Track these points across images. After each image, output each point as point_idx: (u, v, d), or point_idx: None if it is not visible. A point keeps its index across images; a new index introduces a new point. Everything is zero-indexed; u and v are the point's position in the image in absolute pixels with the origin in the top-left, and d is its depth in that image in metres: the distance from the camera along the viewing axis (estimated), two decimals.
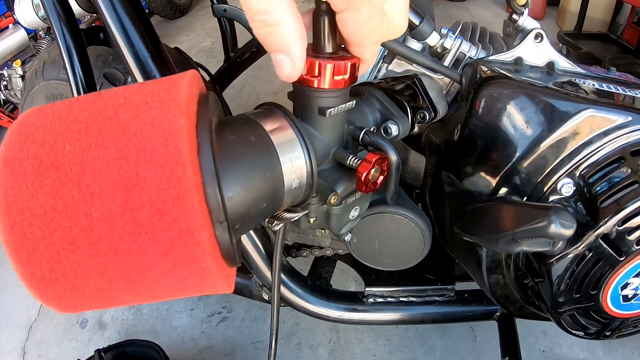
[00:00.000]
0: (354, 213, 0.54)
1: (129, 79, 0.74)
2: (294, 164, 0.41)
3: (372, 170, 0.45)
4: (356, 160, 0.46)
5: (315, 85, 0.40)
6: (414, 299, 0.89)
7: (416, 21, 0.66)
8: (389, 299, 0.89)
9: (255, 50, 1.37)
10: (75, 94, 0.92)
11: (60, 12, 0.90)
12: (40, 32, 2.44)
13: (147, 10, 3.92)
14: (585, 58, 2.86)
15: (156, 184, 0.30)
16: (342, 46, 0.41)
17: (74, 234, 0.31)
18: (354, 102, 0.45)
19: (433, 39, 0.68)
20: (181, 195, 0.30)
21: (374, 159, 0.45)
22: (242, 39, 1.43)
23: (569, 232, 0.46)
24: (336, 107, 0.43)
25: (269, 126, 0.41)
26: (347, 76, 0.40)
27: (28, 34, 2.36)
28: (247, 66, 1.44)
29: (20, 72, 2.32)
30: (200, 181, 0.31)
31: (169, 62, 0.73)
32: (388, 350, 1.27)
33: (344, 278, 1.41)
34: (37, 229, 0.31)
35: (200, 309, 1.44)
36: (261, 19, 0.34)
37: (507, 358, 0.94)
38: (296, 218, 0.47)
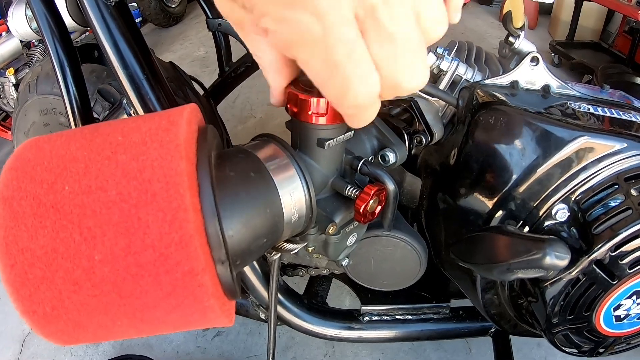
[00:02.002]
0: (351, 240, 0.55)
1: (124, 101, 0.73)
2: (293, 198, 0.41)
3: (371, 202, 0.46)
4: (355, 190, 0.46)
5: (313, 122, 0.40)
6: (410, 316, 0.90)
7: None
8: (385, 317, 0.89)
9: (250, 64, 1.37)
10: (69, 111, 0.91)
11: (53, 27, 0.89)
12: (34, 40, 2.43)
13: (140, 18, 3.91)
14: (577, 68, 2.89)
15: (158, 228, 0.30)
16: None
17: (76, 275, 0.31)
18: (352, 133, 0.45)
19: (429, 60, 0.68)
20: (183, 239, 0.30)
21: (372, 191, 0.45)
22: (237, 52, 1.43)
23: (563, 263, 0.47)
24: (335, 139, 0.44)
25: (267, 160, 0.41)
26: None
27: (21, 42, 2.35)
28: (241, 80, 1.43)
29: (13, 81, 2.30)
30: (202, 223, 0.31)
31: (165, 84, 0.72)
32: None
33: (340, 291, 1.41)
34: (38, 269, 0.31)
35: None
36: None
37: None
38: (296, 250, 0.47)
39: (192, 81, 1.34)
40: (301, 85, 0.40)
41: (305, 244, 0.48)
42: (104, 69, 1.15)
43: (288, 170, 0.41)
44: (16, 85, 2.29)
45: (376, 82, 0.29)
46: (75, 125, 0.91)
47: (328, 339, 0.88)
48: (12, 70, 2.33)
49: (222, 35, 1.39)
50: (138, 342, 1.39)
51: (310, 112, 0.39)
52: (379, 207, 0.49)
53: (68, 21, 1.38)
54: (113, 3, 0.69)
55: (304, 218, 0.43)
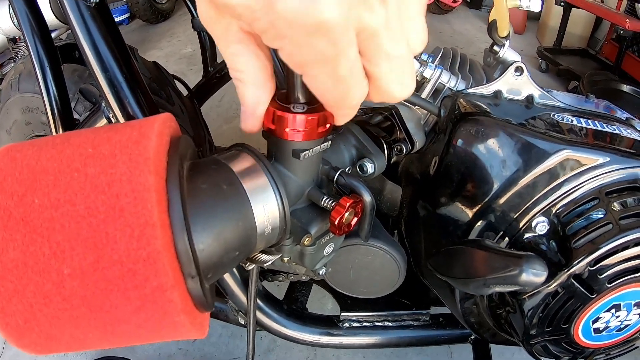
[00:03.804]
0: (328, 249, 0.54)
1: (103, 103, 0.72)
2: (267, 210, 0.40)
3: (346, 214, 0.45)
4: (330, 201, 0.46)
5: (287, 138, 0.40)
6: (390, 323, 0.90)
7: None
8: (365, 324, 0.89)
9: None
10: (48, 111, 0.90)
11: (34, 26, 0.88)
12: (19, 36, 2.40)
13: (129, 14, 3.87)
14: (564, 74, 2.92)
15: (126, 244, 0.29)
16: None
17: (47, 289, 0.30)
18: (329, 142, 0.45)
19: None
20: (151, 256, 0.29)
21: (347, 204, 0.45)
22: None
23: (540, 279, 0.47)
24: (311, 150, 0.43)
25: (240, 172, 0.40)
26: (317, 128, 0.40)
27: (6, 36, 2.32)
28: (225, 81, 1.43)
29: None
30: (171, 239, 0.31)
31: (144, 87, 0.71)
32: None
33: (321, 294, 1.41)
34: (9, 282, 0.30)
35: None
36: (232, 73, 0.36)
37: None
38: (271, 262, 0.46)
39: (176, 81, 1.32)
40: (276, 102, 0.39)
41: (280, 255, 0.47)
42: (86, 69, 1.13)
43: (261, 183, 0.41)
44: (0, 80, 2.26)
45: (367, 86, 0.33)
46: (55, 125, 0.90)
47: (307, 345, 0.88)
48: None
49: (208, 36, 1.38)
50: None
51: (288, 129, 0.39)
52: (355, 219, 0.48)
53: (50, 18, 1.36)
54: (93, 4, 0.68)
55: (277, 230, 0.42)
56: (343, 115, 0.37)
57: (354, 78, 0.32)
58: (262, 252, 0.46)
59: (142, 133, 0.33)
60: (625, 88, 2.51)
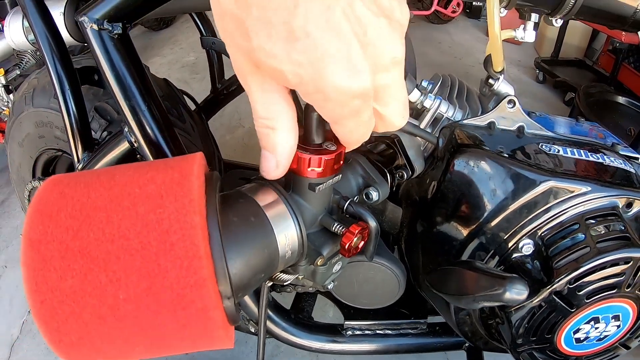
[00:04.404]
0: (336, 267, 0.60)
1: (125, 128, 0.77)
2: (288, 237, 0.47)
3: (355, 239, 0.51)
4: (341, 227, 0.52)
5: (306, 176, 0.46)
6: (390, 331, 0.95)
7: None
8: (367, 332, 0.95)
9: None
10: (69, 131, 0.92)
11: (54, 48, 0.88)
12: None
13: (128, 34, 3.89)
14: (561, 86, 2.97)
15: (176, 272, 0.35)
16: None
17: (102, 311, 0.35)
18: (340, 176, 0.51)
19: (414, 96, 0.73)
20: (198, 282, 0.35)
21: (356, 230, 0.51)
22: (229, 69, 1.47)
23: (521, 297, 0.53)
24: (325, 183, 0.49)
25: (264, 204, 0.46)
26: (333, 166, 0.46)
27: None
28: (232, 98, 1.47)
29: (3, 82, 2.30)
30: (213, 267, 0.37)
31: (164, 112, 0.76)
32: None
33: (323, 303, 1.46)
34: (66, 305, 0.35)
35: None
36: (261, 122, 0.39)
37: None
38: (290, 281, 0.53)
39: (185, 97, 1.37)
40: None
41: (297, 274, 0.54)
42: (100, 90, 1.18)
43: (283, 214, 0.47)
44: (6, 87, 2.28)
45: (374, 122, 0.39)
46: (75, 145, 0.94)
47: (313, 351, 0.93)
48: (2, 70, 2.33)
49: (216, 53, 1.43)
50: None
51: (309, 169, 0.45)
52: (362, 242, 0.54)
53: (65, 36, 1.40)
54: (116, 35, 0.72)
55: (296, 253, 0.49)
56: (357, 143, 0.43)
57: (371, 120, 0.38)
58: (282, 272, 0.52)
59: (183, 175, 0.39)
60: (621, 100, 2.57)
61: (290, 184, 0.51)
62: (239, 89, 1.44)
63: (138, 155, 0.78)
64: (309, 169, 0.45)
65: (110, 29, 0.69)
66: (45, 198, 0.39)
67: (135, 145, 0.76)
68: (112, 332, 0.36)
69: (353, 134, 0.39)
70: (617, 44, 2.67)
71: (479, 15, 4.41)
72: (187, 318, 0.36)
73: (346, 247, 0.51)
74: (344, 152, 0.47)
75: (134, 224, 0.36)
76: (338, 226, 0.52)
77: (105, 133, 1.09)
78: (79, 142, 0.93)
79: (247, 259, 0.42)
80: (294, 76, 0.32)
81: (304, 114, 0.46)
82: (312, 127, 0.45)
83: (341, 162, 0.47)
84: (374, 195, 0.61)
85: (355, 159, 0.63)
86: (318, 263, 0.54)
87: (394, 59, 0.34)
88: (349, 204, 0.54)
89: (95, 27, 0.68)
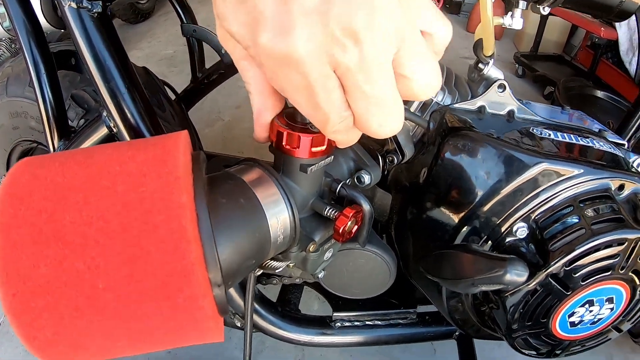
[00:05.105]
0: (328, 255, 0.58)
1: (104, 113, 0.73)
2: (279, 221, 0.44)
3: (349, 223, 0.49)
4: (333, 211, 0.50)
5: (296, 155, 0.44)
6: (379, 322, 0.94)
7: None
8: (356, 323, 0.93)
9: (223, 72, 1.38)
10: (44, 118, 0.90)
11: (30, 32, 0.87)
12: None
13: (108, 13, 3.81)
14: (540, 80, 3.00)
15: (160, 257, 0.32)
16: None
17: (80, 302, 0.32)
18: (332, 157, 0.49)
19: None
20: (186, 268, 0.32)
21: (350, 214, 0.49)
22: (210, 58, 1.44)
23: (522, 279, 0.52)
24: (316, 164, 0.47)
25: (254, 185, 0.44)
26: (324, 147, 0.44)
27: None
28: (213, 87, 1.44)
29: None
30: (202, 252, 0.34)
31: (145, 97, 0.73)
32: None
33: (308, 296, 1.45)
34: (40, 297, 0.32)
35: None
36: (245, 85, 0.41)
37: None
38: (281, 268, 0.50)
39: (165, 87, 1.34)
40: (285, 119, 0.43)
41: (288, 262, 0.51)
42: (77, 75, 1.14)
43: (274, 195, 0.44)
44: None
45: (350, 117, 0.35)
46: (51, 133, 0.91)
47: (302, 345, 0.91)
48: None
49: (196, 41, 1.40)
50: None
51: (298, 148, 0.43)
52: (356, 227, 0.52)
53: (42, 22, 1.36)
54: (95, 13, 0.69)
55: (288, 238, 0.46)
56: (334, 139, 0.38)
57: (332, 107, 0.33)
58: (272, 259, 0.50)
59: (167, 151, 0.36)
60: (599, 94, 2.61)
61: (280, 166, 0.48)
62: (220, 78, 1.41)
63: (116, 140, 0.75)
64: (298, 148, 0.43)
65: (90, 7, 0.66)
66: (16, 180, 0.35)
67: (115, 130, 0.73)
68: (91, 326, 0.33)
69: (310, 116, 0.35)
70: (596, 40, 2.71)
71: (458, 11, 4.44)
72: (173, 308, 0.33)
73: (340, 231, 0.49)
74: None
75: (114, 205, 0.33)
76: (331, 210, 0.50)
77: (82, 121, 1.05)
78: (55, 130, 0.90)
79: (237, 243, 0.40)
80: (240, 37, 0.33)
81: None
82: None
83: (332, 143, 0.45)
84: (366, 178, 0.59)
85: None
86: (310, 249, 0.52)
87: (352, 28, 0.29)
88: (341, 186, 0.52)
89: (73, 4, 0.65)
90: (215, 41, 1.33)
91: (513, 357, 1.33)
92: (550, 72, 2.99)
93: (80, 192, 0.34)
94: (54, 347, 0.34)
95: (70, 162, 0.36)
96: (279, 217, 0.44)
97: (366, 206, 0.51)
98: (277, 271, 0.51)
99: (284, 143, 0.44)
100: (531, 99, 2.97)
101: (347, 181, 0.60)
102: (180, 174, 0.35)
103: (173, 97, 1.40)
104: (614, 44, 2.67)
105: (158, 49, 3.49)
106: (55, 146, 0.89)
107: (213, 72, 1.41)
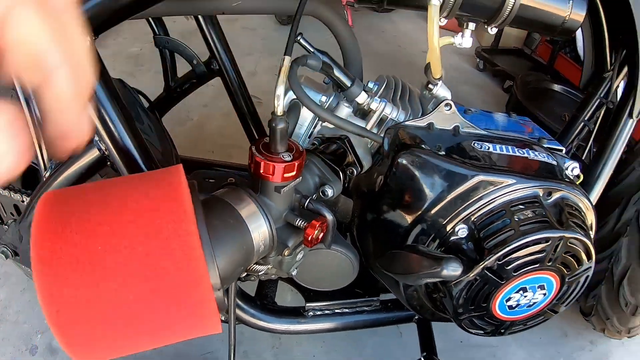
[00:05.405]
0: (299, 256, 0.69)
1: (95, 138, 0.78)
2: (260, 234, 0.55)
3: (316, 232, 0.60)
4: (303, 222, 0.61)
5: (273, 180, 0.54)
6: (347, 310, 1.05)
7: (348, 83, 0.79)
8: (326, 312, 1.04)
9: (195, 81, 1.44)
10: (35, 138, 0.94)
11: None
12: None
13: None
14: (500, 74, 3.11)
15: (176, 273, 0.42)
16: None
17: (115, 313, 0.42)
18: (300, 178, 0.59)
19: (361, 98, 0.81)
20: (197, 280, 0.43)
21: (317, 224, 0.60)
22: (182, 68, 1.48)
23: (456, 274, 0.63)
24: (288, 185, 0.57)
25: (239, 207, 0.54)
26: (294, 173, 0.54)
27: None
28: (185, 95, 1.49)
29: None
30: (206, 266, 0.44)
31: (132, 121, 0.78)
32: (325, 350, 1.42)
33: (281, 289, 1.53)
34: (80, 313, 0.41)
35: None
36: None
37: (425, 354, 1.12)
38: (263, 271, 0.61)
39: (139, 95, 1.36)
40: (261, 149, 0.54)
41: (268, 265, 0.62)
42: None
43: (255, 213, 0.55)
44: None
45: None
46: (41, 153, 0.95)
47: (280, 333, 1.02)
48: None
49: (169, 52, 1.44)
50: None
51: (274, 175, 0.53)
52: (322, 234, 0.63)
53: None
54: None
55: (267, 247, 0.57)
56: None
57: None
58: (256, 264, 0.61)
59: (174, 189, 0.46)
60: (556, 87, 2.70)
61: (258, 187, 0.59)
62: (192, 87, 1.47)
63: (109, 163, 0.82)
64: (274, 175, 0.54)
65: None
66: (47, 217, 0.43)
67: (106, 153, 0.79)
68: (122, 332, 0.43)
69: None
70: None
71: (389, 10, 4.39)
72: (187, 309, 0.44)
73: (309, 238, 0.60)
74: (304, 159, 0.55)
75: (137, 236, 0.43)
76: (301, 221, 0.61)
77: None
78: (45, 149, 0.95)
79: (230, 256, 0.50)
80: None
81: (269, 126, 0.54)
82: (275, 138, 0.54)
83: (301, 168, 0.56)
84: (329, 192, 0.70)
85: (311, 160, 0.72)
86: (285, 254, 0.62)
87: None
88: (308, 201, 0.62)
89: None
90: (187, 52, 1.39)
91: (474, 336, 1.45)
92: (510, 66, 3.08)
93: (106, 225, 0.43)
94: (89, 350, 0.43)
95: (90, 198, 0.45)
96: (259, 230, 0.55)
97: (330, 217, 0.62)
98: (259, 273, 0.62)
99: (261, 170, 0.54)
100: (491, 92, 3.09)
101: (314, 195, 0.70)
102: (187, 208, 0.44)
103: (147, 105, 1.44)
104: (572, 39, 2.75)
105: (124, 47, 3.35)
106: (46, 165, 0.95)
107: (185, 81, 1.46)
